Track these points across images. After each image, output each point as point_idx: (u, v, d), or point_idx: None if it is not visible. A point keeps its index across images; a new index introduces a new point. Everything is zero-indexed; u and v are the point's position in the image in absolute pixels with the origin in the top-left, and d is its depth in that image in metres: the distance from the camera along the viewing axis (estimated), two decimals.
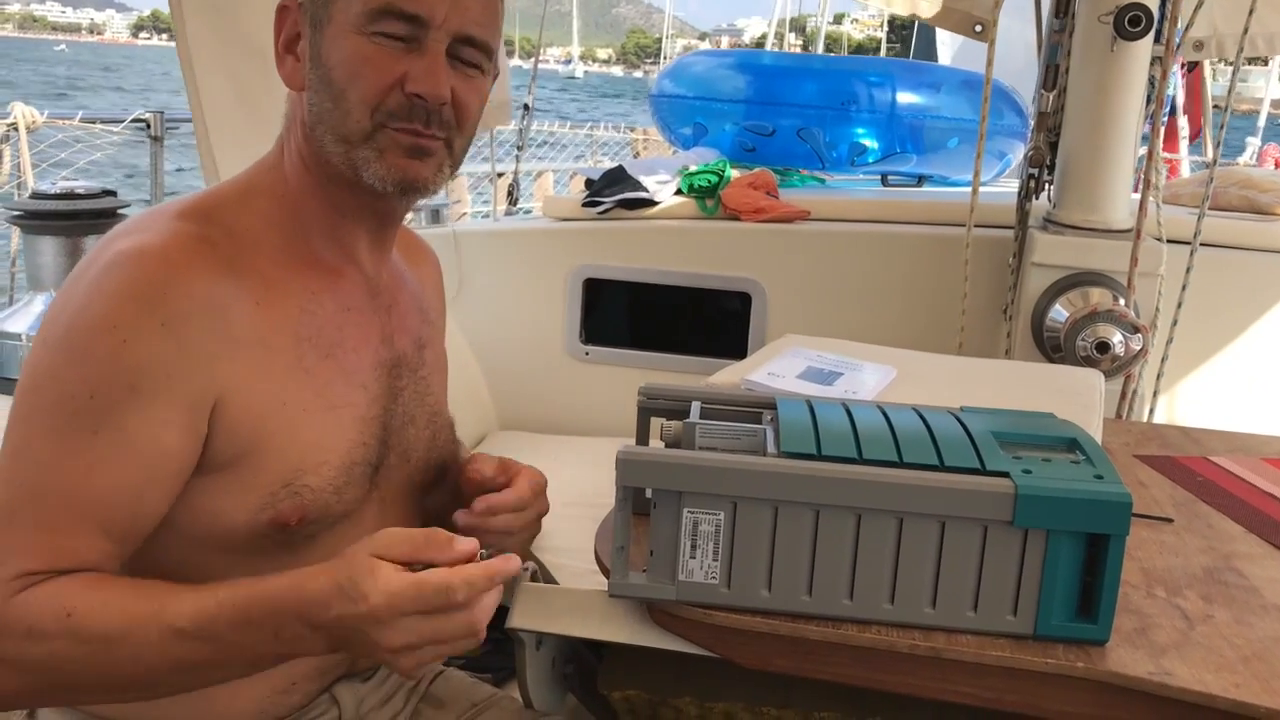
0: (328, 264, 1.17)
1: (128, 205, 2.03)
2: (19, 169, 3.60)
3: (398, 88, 1.09)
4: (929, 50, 5.98)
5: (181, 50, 1.86)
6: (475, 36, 1.12)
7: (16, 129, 3.62)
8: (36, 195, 2.01)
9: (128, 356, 0.99)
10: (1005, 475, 1.03)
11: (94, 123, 3.77)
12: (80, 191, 1.97)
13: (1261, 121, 8.53)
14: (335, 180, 1.14)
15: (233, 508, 1.08)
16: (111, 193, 2.02)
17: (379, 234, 1.21)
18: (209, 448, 1.05)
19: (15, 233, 2.80)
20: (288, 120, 1.18)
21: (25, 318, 1.92)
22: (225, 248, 1.07)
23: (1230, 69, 2.81)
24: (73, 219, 1.94)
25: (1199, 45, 3.13)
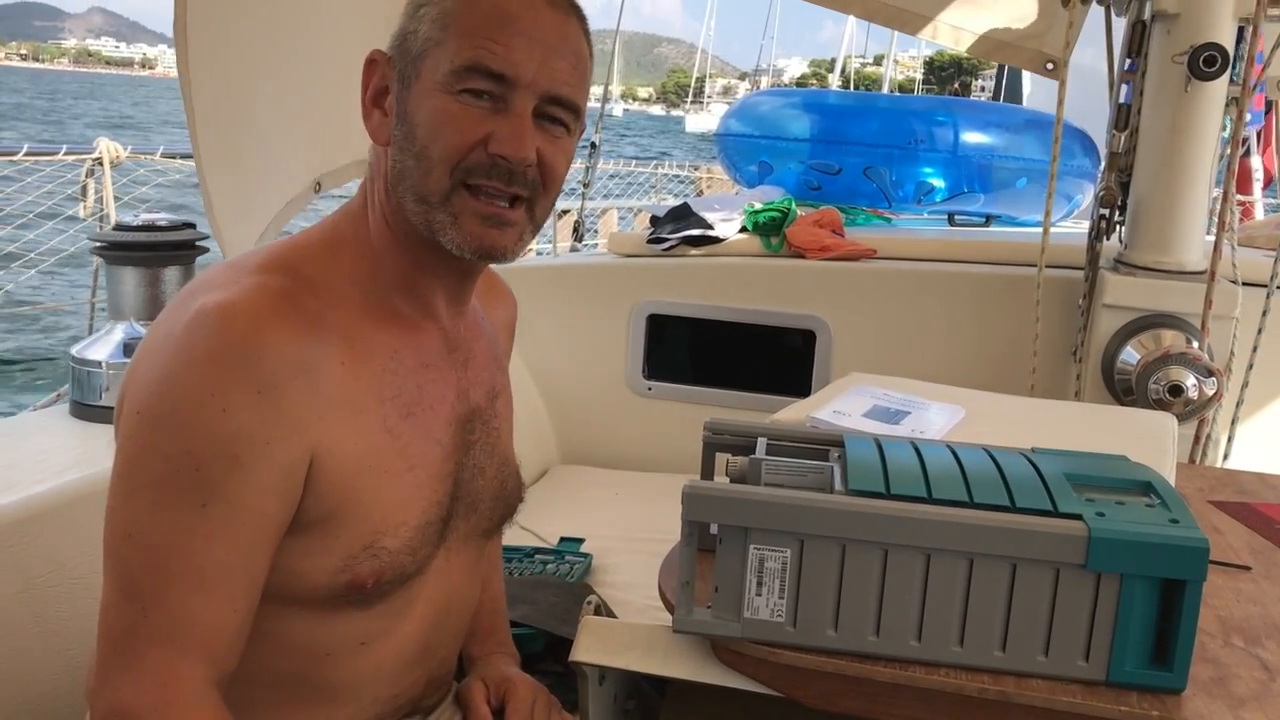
0: (407, 319, 1.16)
1: (206, 237, 2.07)
2: (102, 201, 3.73)
3: (480, 147, 1.07)
4: (1014, 92, 5.91)
5: (183, 85, 1.87)
6: (563, 96, 1.11)
7: (101, 163, 3.75)
8: (119, 227, 2.07)
9: (228, 425, 0.98)
10: (1078, 518, 1.01)
11: (174, 157, 3.88)
12: (161, 224, 2.03)
13: None
14: (414, 237, 1.13)
15: (312, 569, 1.08)
16: (191, 225, 2.07)
17: (457, 288, 1.21)
18: (299, 508, 1.05)
19: (98, 263, 2.88)
20: (371, 171, 1.17)
21: (106, 346, 1.97)
22: (310, 304, 1.06)
23: None
24: (153, 250, 1.99)
25: (1277, 84, 3.08)
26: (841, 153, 3.44)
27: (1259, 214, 5.46)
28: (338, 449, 1.06)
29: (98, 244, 2.06)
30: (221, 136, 1.92)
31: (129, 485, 1.01)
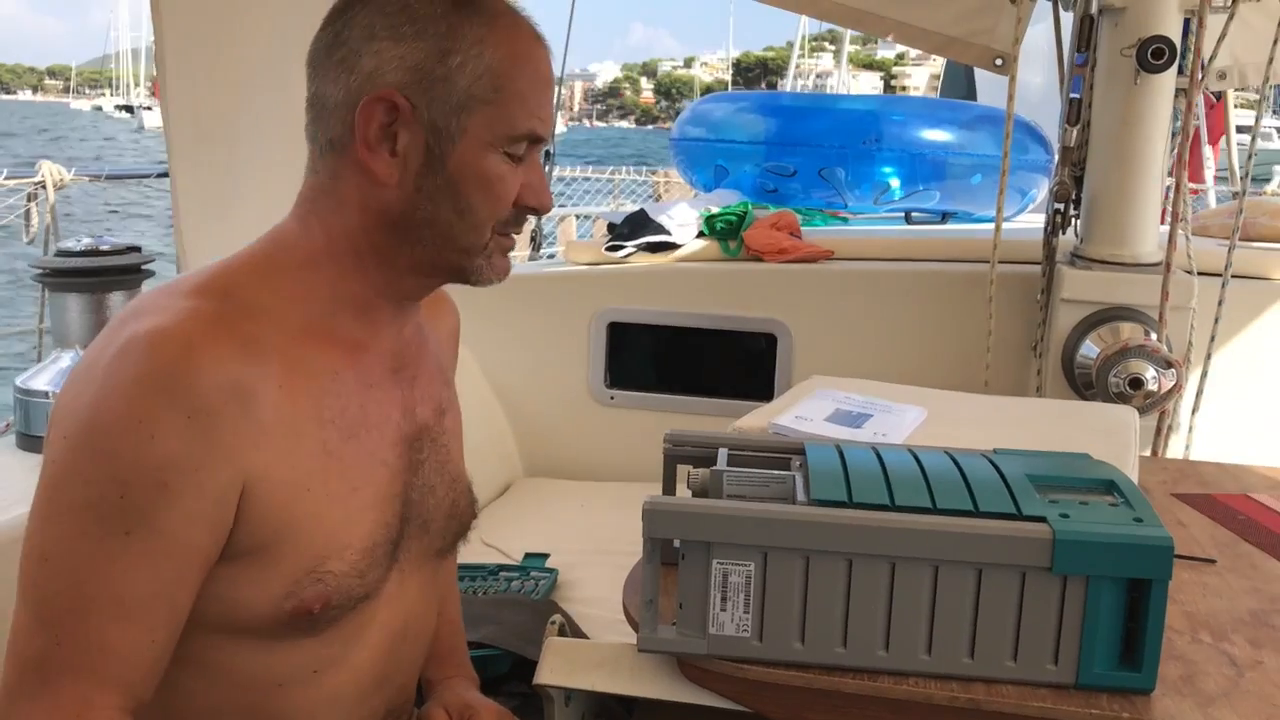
0: (348, 340, 1.13)
1: (152, 260, 2.03)
2: (47, 226, 3.65)
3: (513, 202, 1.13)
4: (969, 89, 5.93)
5: (163, 108, 1.85)
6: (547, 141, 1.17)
7: (44, 187, 3.68)
8: (61, 253, 2.02)
9: (155, 453, 0.95)
10: (1042, 520, 1.00)
11: (121, 179, 3.82)
12: (105, 248, 1.98)
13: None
14: (397, 266, 1.13)
15: (254, 597, 1.05)
16: (136, 248, 2.02)
17: (407, 308, 1.20)
18: (232, 536, 1.02)
19: (41, 290, 2.82)
20: (328, 199, 1.12)
21: (51, 375, 1.92)
22: (245, 327, 1.03)
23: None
24: (98, 275, 1.95)
25: (1223, 75, 3.10)
26: (796, 154, 3.44)
27: (1212, 202, 5.52)
28: (273, 474, 1.03)
29: (39, 270, 2.01)
30: (198, 178, 1.91)
31: (50, 508, 0.98)
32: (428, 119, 1.08)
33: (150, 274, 2.04)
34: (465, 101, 1.08)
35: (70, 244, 2.03)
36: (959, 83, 6.14)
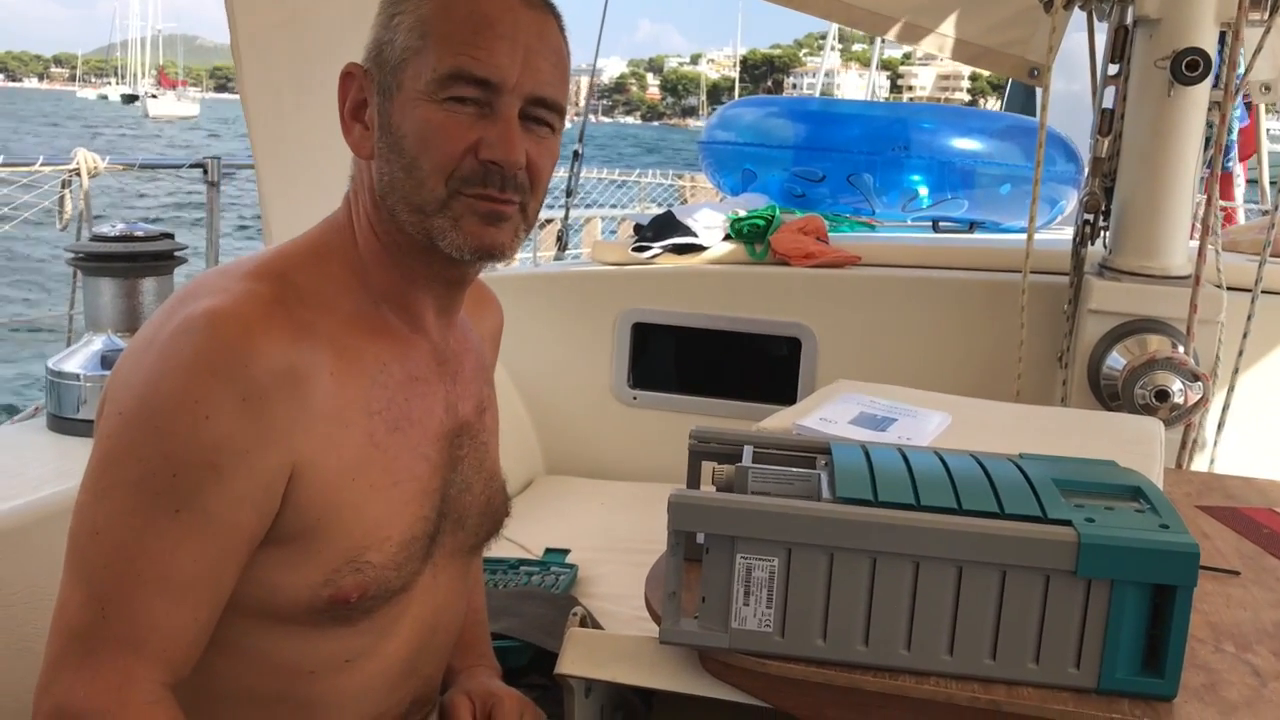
0: (396, 332, 1.14)
1: (184, 248, 2.05)
2: (80, 212, 3.69)
3: (471, 154, 1.07)
4: (1028, 103, 5.86)
5: (244, 102, 1.89)
6: (547, 97, 1.10)
7: (79, 174, 3.71)
8: (96, 238, 2.04)
9: (209, 433, 0.97)
10: (1068, 524, 1.00)
11: (153, 168, 3.85)
12: (139, 234, 2.00)
13: None
14: (405, 247, 1.12)
15: (293, 582, 1.06)
16: (169, 235, 2.05)
17: (447, 299, 1.20)
18: (277, 520, 1.04)
19: (75, 274, 2.85)
20: (354, 184, 1.16)
21: (83, 358, 1.94)
22: (300, 312, 1.04)
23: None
24: (132, 260, 1.97)
25: (1267, 88, 3.08)
26: (825, 159, 3.44)
27: (1241, 219, 5.48)
28: (320, 462, 1.04)
29: (74, 254, 2.03)
30: (281, 165, 1.95)
31: (102, 483, 0.99)
32: (379, 82, 1.10)
33: (183, 260, 2.06)
34: (401, 57, 1.08)
35: (105, 229, 2.05)
36: (1017, 100, 6.08)
